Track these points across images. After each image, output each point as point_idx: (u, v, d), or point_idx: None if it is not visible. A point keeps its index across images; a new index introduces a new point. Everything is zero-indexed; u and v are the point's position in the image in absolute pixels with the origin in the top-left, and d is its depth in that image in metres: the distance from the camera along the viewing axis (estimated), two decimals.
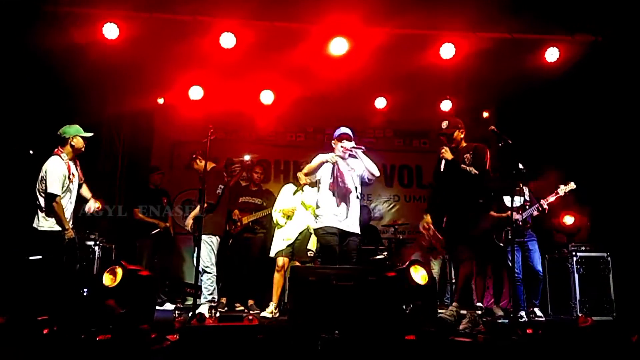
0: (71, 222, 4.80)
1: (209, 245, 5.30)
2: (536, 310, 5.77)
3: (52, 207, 4.58)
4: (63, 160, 4.74)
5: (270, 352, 3.43)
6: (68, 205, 4.80)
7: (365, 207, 6.40)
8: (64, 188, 4.71)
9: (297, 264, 5.70)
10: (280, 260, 5.71)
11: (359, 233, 4.78)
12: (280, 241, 5.73)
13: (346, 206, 4.69)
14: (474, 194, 4.42)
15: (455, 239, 4.58)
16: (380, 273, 3.97)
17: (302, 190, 5.83)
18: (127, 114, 7.38)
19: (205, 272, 5.23)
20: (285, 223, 5.78)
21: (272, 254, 5.78)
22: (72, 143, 4.78)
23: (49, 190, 4.58)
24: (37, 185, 4.70)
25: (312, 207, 5.64)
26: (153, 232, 6.45)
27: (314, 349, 3.36)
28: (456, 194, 4.55)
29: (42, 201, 4.65)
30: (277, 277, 5.70)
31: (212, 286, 5.24)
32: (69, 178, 4.74)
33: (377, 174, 4.74)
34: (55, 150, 4.79)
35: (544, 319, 5.70)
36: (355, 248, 4.74)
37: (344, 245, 4.65)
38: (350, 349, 3.44)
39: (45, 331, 3.63)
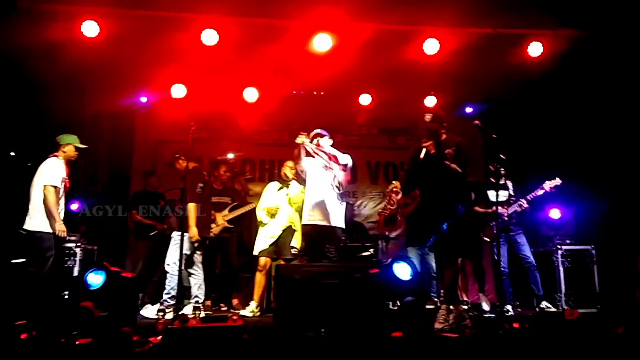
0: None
1: (174, 243, 5.27)
2: (546, 302, 5.70)
3: (46, 197, 4.62)
4: (60, 162, 4.88)
5: (256, 352, 3.38)
6: (62, 207, 4.83)
7: (348, 204, 6.37)
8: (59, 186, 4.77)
9: (282, 262, 5.65)
10: (262, 260, 5.66)
11: (340, 226, 4.82)
12: (263, 239, 5.67)
13: (320, 201, 4.82)
14: (455, 191, 4.38)
15: (428, 233, 4.52)
16: (364, 270, 3.94)
17: (288, 187, 5.78)
18: (108, 114, 7.26)
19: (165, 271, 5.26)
20: (269, 222, 5.73)
21: (255, 252, 5.73)
22: (64, 150, 4.96)
23: (47, 183, 4.66)
24: (33, 183, 4.74)
25: (297, 204, 5.62)
26: (152, 234, 6.44)
27: (299, 348, 3.32)
28: (436, 190, 4.49)
29: (37, 201, 4.66)
30: (259, 277, 5.66)
31: (169, 285, 5.16)
32: (63, 179, 4.85)
33: (344, 161, 4.89)
34: (52, 154, 4.93)
35: (554, 309, 5.66)
36: (333, 242, 4.78)
37: (324, 239, 4.71)
38: (337, 347, 3.40)
39: (23, 336, 3.53)
